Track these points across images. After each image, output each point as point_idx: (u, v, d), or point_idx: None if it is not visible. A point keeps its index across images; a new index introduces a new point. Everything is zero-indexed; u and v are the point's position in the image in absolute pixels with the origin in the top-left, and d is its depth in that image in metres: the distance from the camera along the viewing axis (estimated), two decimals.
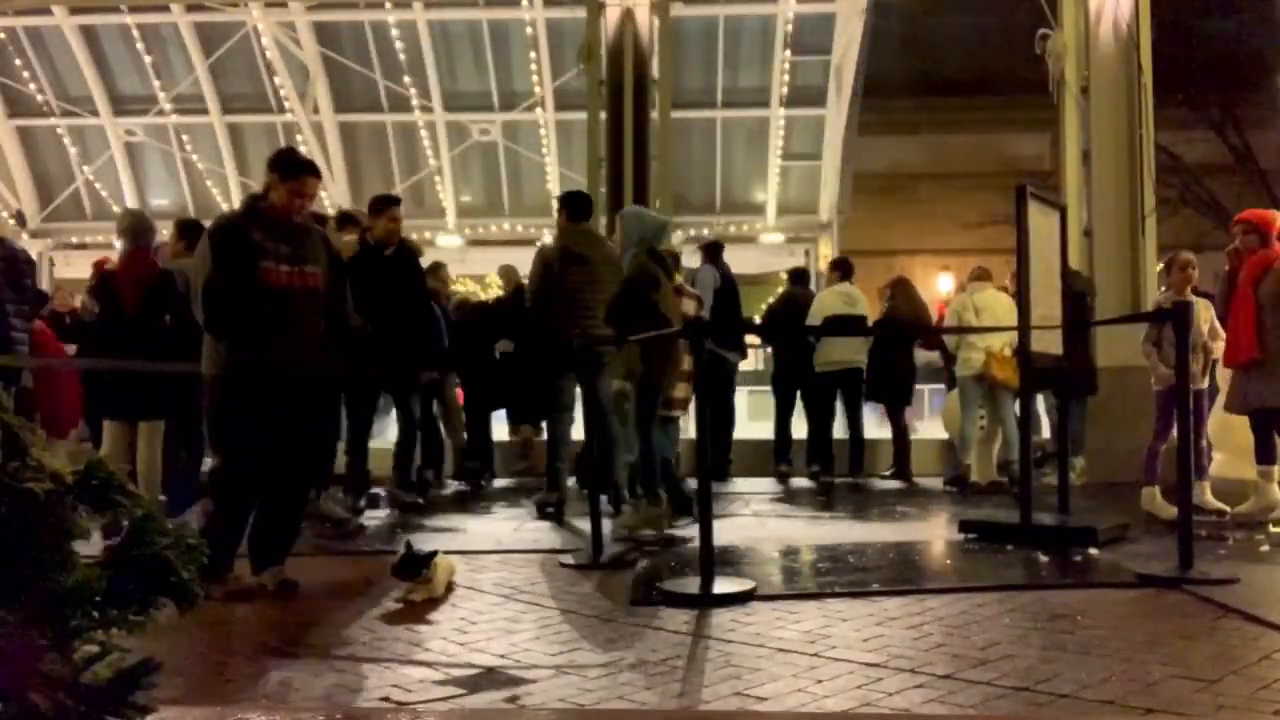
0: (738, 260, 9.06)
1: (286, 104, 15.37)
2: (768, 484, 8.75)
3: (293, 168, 4.53)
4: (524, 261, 8.11)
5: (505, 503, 7.58)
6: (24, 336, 6.38)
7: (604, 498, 6.05)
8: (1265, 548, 5.39)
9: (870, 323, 9.19)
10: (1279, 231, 6.37)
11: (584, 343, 6.30)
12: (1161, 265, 7.38)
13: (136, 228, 6.55)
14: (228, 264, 4.35)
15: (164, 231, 7.52)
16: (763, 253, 15.86)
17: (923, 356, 9.95)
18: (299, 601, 4.36)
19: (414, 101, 15.25)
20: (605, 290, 6.78)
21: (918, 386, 9.61)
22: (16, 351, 6.26)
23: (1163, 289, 7.05)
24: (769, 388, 9.52)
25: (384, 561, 4.70)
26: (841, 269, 9.30)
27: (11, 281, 6.32)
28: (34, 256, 7.02)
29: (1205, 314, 6.51)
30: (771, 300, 10.49)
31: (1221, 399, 6.91)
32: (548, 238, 12.95)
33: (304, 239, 4.55)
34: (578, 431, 6.95)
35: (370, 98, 15.46)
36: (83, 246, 16.60)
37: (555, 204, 7.23)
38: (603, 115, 9.87)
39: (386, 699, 3.00)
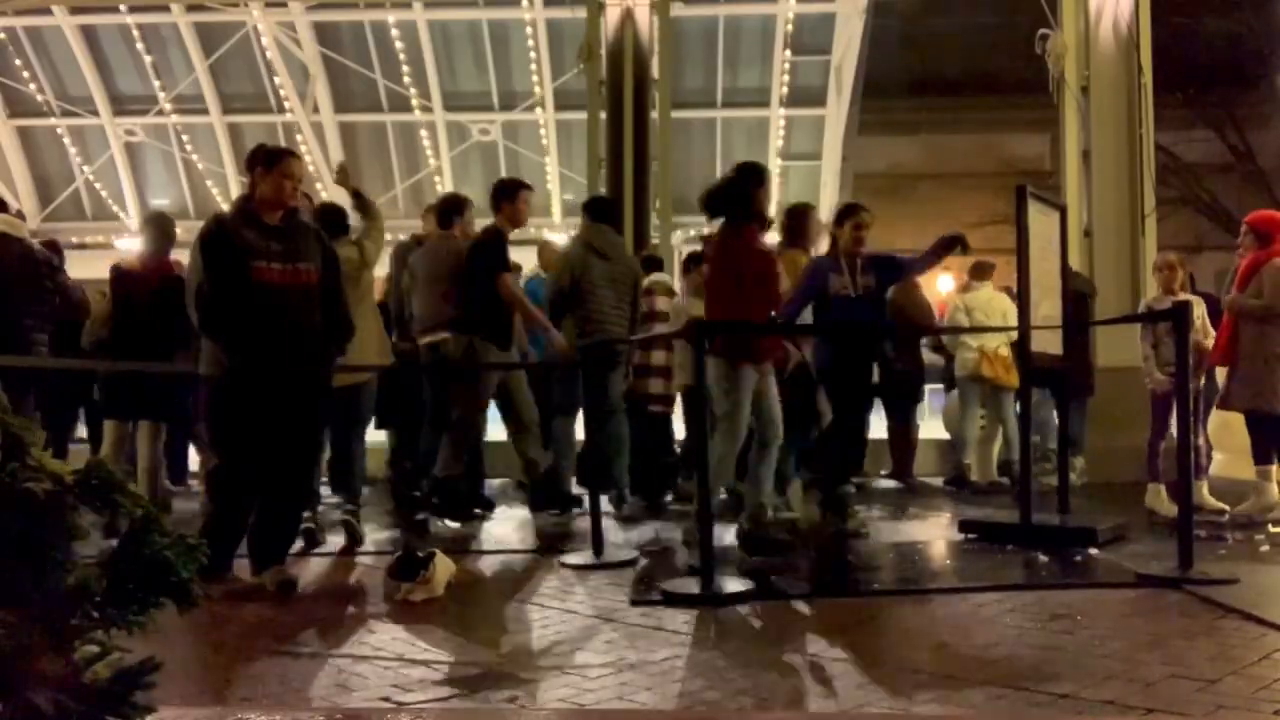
0: None
1: (286, 104, 15.37)
2: None
3: (273, 155, 4.59)
4: (525, 260, 8.13)
5: (505, 503, 7.58)
6: (43, 338, 6.35)
7: (604, 497, 6.05)
8: (1265, 548, 5.39)
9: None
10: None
11: (599, 341, 6.34)
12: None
13: (159, 230, 6.54)
14: (220, 266, 4.36)
15: None
16: None
17: (927, 356, 9.94)
18: (299, 601, 4.36)
19: (414, 101, 15.24)
20: (623, 290, 6.86)
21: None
22: (36, 353, 6.24)
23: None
24: None
25: (384, 561, 4.70)
26: None
27: (29, 284, 6.28)
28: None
29: (1196, 310, 6.53)
30: None
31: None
32: (548, 236, 12.95)
33: (297, 236, 4.55)
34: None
35: (370, 98, 15.45)
36: (83, 246, 16.55)
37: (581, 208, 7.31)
38: (603, 115, 9.87)
39: (386, 699, 3.00)
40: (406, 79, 14.96)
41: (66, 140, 16.12)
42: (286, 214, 4.55)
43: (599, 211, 7.07)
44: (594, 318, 6.66)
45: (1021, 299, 5.78)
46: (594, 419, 6.13)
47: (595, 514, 5.30)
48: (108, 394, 6.54)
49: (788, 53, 14.48)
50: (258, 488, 4.48)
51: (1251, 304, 6.22)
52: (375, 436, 9.95)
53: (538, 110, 15.16)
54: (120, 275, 6.45)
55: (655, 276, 8.00)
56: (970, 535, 5.78)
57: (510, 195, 6.60)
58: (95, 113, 15.61)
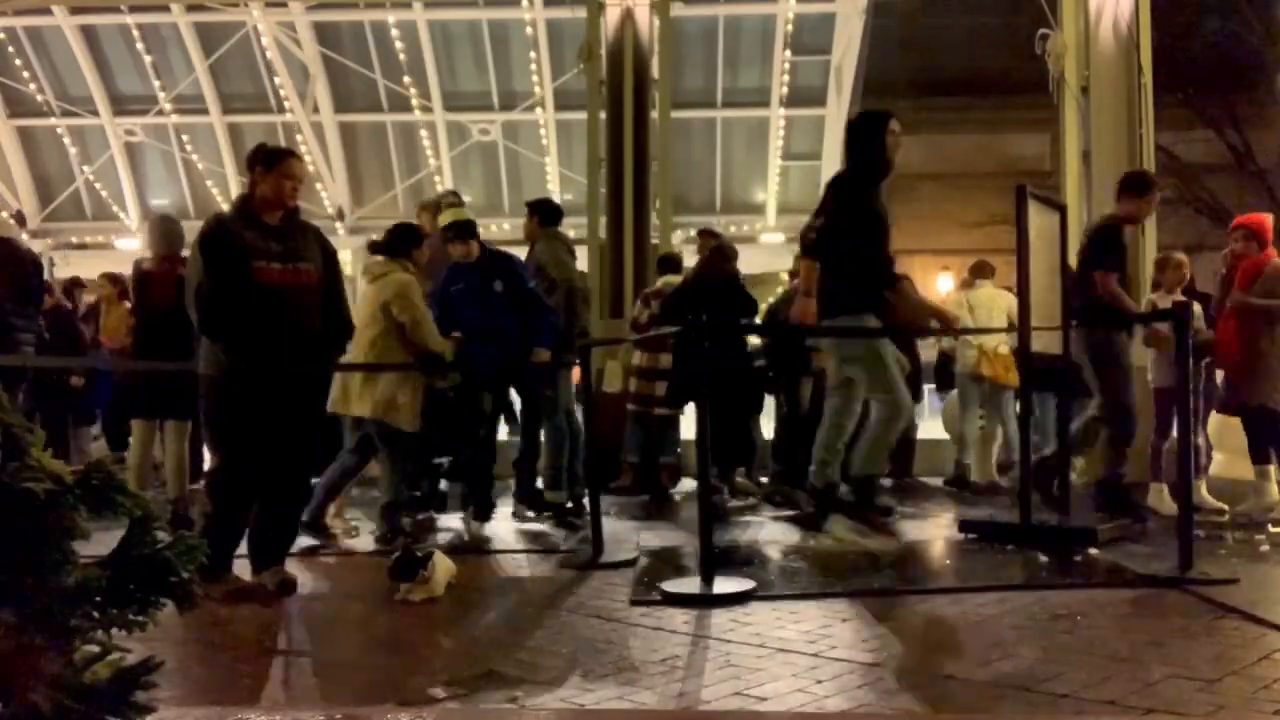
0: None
1: (286, 104, 15.37)
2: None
3: (274, 155, 4.58)
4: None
5: (504, 503, 7.58)
6: (29, 338, 6.36)
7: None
8: (1265, 548, 5.39)
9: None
10: (1272, 237, 6.47)
11: (585, 343, 6.34)
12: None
13: (168, 234, 6.55)
14: (220, 266, 4.35)
15: None
16: (763, 253, 15.85)
17: (926, 356, 9.94)
18: (299, 601, 4.36)
19: (414, 101, 15.24)
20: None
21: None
22: (22, 353, 6.26)
23: (1156, 290, 7.06)
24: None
25: (383, 561, 4.70)
26: None
27: (13, 283, 6.29)
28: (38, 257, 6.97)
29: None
30: (772, 300, 10.48)
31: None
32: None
33: (296, 236, 4.55)
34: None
35: (370, 98, 15.45)
36: (83, 246, 16.60)
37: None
38: (603, 115, 9.86)
39: (386, 699, 3.00)
40: (406, 79, 14.96)
41: (66, 140, 16.13)
42: (286, 214, 4.55)
43: (554, 214, 7.18)
44: (577, 318, 6.90)
45: (1021, 299, 5.78)
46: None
47: (595, 514, 5.29)
48: (133, 394, 6.57)
49: (788, 53, 14.49)
50: (258, 488, 4.48)
51: (1257, 303, 6.23)
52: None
53: (538, 110, 15.16)
54: (141, 276, 6.48)
55: (668, 278, 8.00)
56: (970, 535, 5.77)
57: (1145, 190, 6.29)
58: (95, 113, 15.61)
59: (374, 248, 6.62)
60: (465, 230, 6.48)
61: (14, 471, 1.66)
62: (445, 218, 6.62)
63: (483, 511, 6.47)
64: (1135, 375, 6.10)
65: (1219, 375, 6.99)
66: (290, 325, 4.43)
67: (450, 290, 6.41)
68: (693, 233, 13.79)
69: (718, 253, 7.58)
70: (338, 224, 15.82)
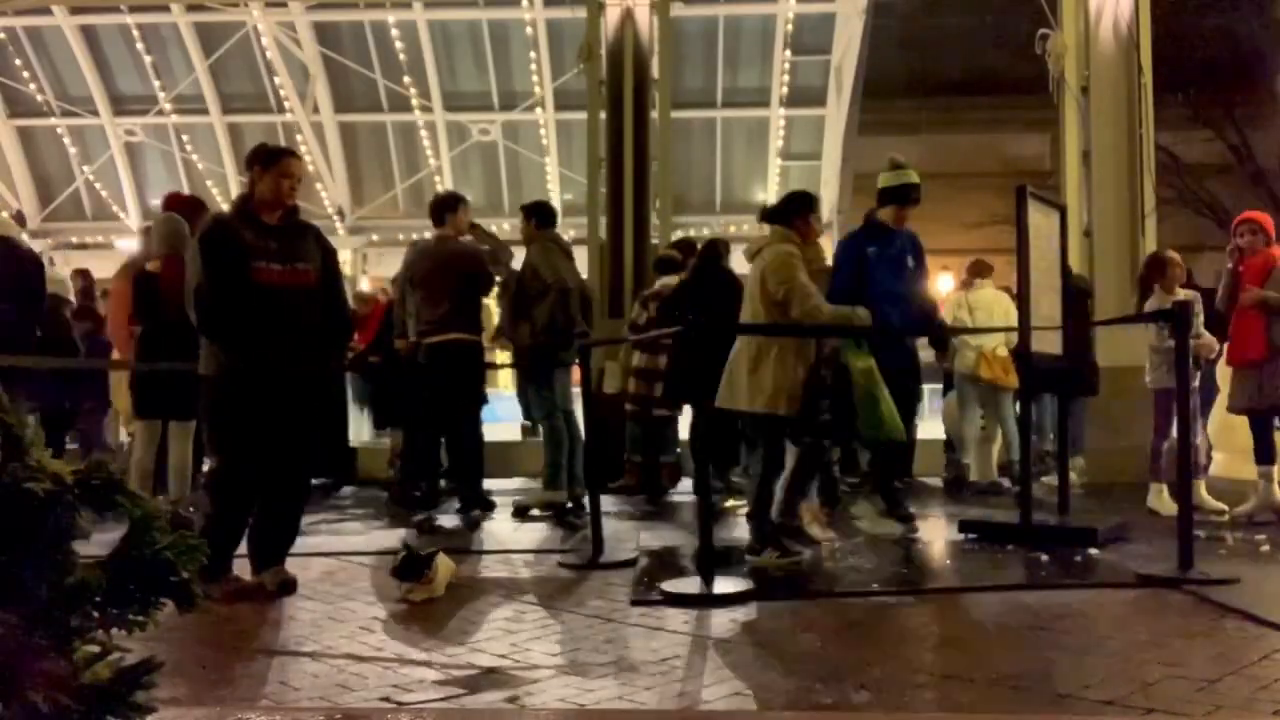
0: (737, 261, 9.04)
1: (286, 104, 15.36)
2: None
3: (271, 154, 4.59)
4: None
5: (504, 503, 7.58)
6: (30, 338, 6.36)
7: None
8: (1265, 548, 5.38)
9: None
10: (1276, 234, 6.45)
11: (586, 343, 6.33)
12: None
13: (173, 235, 6.55)
14: (219, 266, 4.36)
15: None
16: None
17: (925, 356, 9.92)
18: (299, 601, 4.36)
19: (414, 101, 15.24)
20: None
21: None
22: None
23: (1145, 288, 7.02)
24: None
25: (384, 561, 4.71)
26: None
27: (16, 284, 6.28)
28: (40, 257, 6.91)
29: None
30: None
31: (1221, 399, 6.92)
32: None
33: (296, 236, 4.56)
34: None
35: (370, 98, 15.44)
36: (83, 246, 16.59)
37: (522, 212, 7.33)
38: (603, 115, 9.86)
39: (386, 699, 3.00)
40: (406, 79, 14.96)
41: (66, 140, 16.12)
42: (286, 213, 4.55)
43: (550, 217, 7.22)
44: (573, 319, 6.88)
45: (1021, 299, 5.78)
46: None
47: (595, 514, 5.30)
48: (139, 395, 6.57)
49: (788, 53, 14.48)
50: (258, 488, 4.48)
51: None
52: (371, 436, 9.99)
53: (538, 110, 15.15)
54: (146, 279, 6.48)
55: (665, 280, 8.00)
56: (970, 535, 5.78)
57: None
58: (95, 113, 15.60)
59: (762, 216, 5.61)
60: (905, 196, 6.12)
61: (14, 471, 1.66)
62: (886, 180, 6.17)
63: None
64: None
65: (1220, 374, 6.99)
66: (290, 325, 4.43)
67: (867, 250, 5.89)
68: (692, 232, 13.84)
69: (711, 248, 7.57)
70: (338, 224, 15.83)
